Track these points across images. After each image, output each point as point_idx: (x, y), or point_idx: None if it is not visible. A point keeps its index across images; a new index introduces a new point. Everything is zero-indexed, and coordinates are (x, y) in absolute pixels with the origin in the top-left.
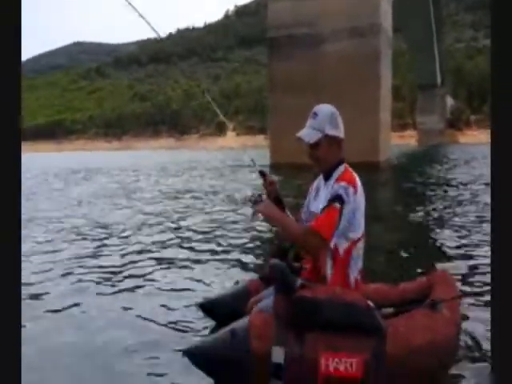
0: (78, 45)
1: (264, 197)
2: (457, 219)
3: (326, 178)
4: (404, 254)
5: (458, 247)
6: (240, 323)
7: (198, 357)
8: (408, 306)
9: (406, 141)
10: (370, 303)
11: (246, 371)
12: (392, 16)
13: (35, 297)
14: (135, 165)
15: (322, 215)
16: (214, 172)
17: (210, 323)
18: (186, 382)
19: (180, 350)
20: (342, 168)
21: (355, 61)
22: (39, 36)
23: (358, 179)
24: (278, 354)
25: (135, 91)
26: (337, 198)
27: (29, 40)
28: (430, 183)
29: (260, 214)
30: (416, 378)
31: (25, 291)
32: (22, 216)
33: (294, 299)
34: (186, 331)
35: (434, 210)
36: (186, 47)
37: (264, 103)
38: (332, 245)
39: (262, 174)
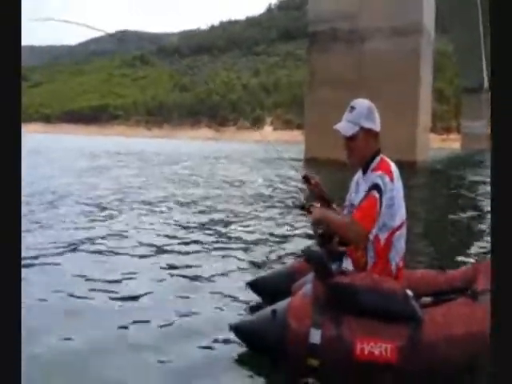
0: (123, 33)
1: (316, 179)
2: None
3: (364, 171)
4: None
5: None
6: (281, 304)
7: (241, 332)
8: (449, 294)
9: (450, 144)
10: (408, 291)
11: (284, 349)
12: (439, 17)
13: None
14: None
15: (362, 205)
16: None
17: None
18: None
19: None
20: (378, 159)
21: (395, 59)
22: (88, 22)
23: (394, 167)
24: (315, 336)
25: (176, 81)
26: (374, 187)
27: (77, 26)
28: (463, 186)
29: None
30: (450, 368)
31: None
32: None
33: (332, 284)
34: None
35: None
36: (227, 40)
37: (303, 98)
38: (373, 233)
39: (306, 178)
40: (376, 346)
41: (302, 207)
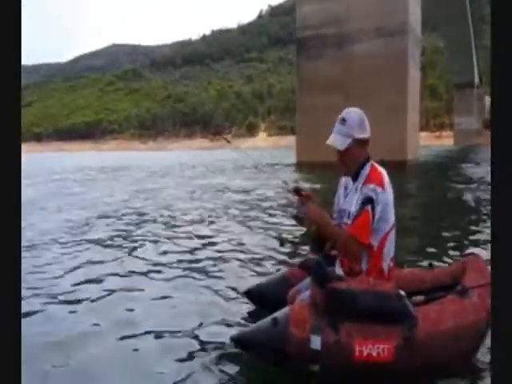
0: (115, 47)
1: (308, 192)
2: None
3: (354, 178)
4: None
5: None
6: (281, 313)
7: (243, 343)
8: (438, 292)
9: (443, 141)
10: (401, 292)
11: (286, 357)
12: (428, 14)
13: None
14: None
15: (358, 220)
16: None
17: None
18: None
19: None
20: (368, 167)
21: (383, 60)
22: (79, 38)
23: (384, 175)
24: (315, 342)
25: (169, 92)
26: (367, 201)
27: (69, 41)
28: (454, 181)
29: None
30: (445, 362)
31: None
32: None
33: (329, 290)
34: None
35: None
36: (219, 48)
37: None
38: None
39: (297, 191)
40: (374, 348)
41: (296, 217)
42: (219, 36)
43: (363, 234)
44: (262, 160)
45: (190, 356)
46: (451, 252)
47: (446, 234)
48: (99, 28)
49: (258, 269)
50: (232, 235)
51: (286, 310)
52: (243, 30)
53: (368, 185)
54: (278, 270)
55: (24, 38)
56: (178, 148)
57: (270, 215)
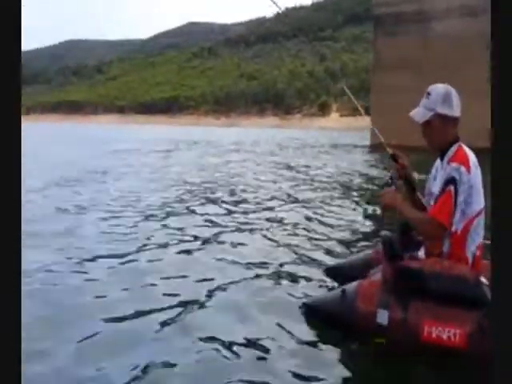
0: (192, 25)
1: (405, 160)
2: None
3: (441, 158)
4: None
5: None
6: (350, 285)
7: (312, 310)
8: None
9: None
10: (481, 278)
11: (352, 327)
12: None
13: None
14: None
15: (439, 202)
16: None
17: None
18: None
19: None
20: (455, 147)
21: (465, 41)
22: (158, 16)
23: (471, 156)
24: (382, 316)
25: (242, 71)
26: (450, 182)
27: (148, 20)
28: None
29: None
30: None
31: None
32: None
33: (401, 268)
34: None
35: None
36: (293, 27)
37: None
38: (450, 225)
39: (394, 157)
40: (444, 331)
41: (387, 184)
42: (293, 13)
43: (443, 215)
44: (333, 141)
45: (264, 312)
46: None
47: None
48: (177, 5)
49: (343, 248)
50: (315, 213)
51: (355, 283)
52: (318, 7)
53: (452, 164)
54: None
55: (107, 13)
56: (250, 125)
57: (350, 198)
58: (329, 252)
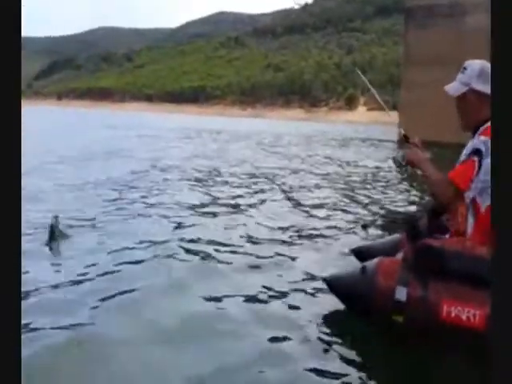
0: (220, 14)
1: (416, 140)
2: None
3: (473, 136)
4: None
5: None
6: (371, 262)
7: (332, 285)
8: None
9: None
10: None
11: (370, 303)
12: None
13: None
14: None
15: (460, 167)
16: None
17: None
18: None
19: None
20: (487, 125)
21: None
22: (188, 5)
23: None
24: (401, 292)
25: (269, 61)
26: (475, 153)
27: (179, 8)
28: None
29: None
30: None
31: None
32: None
33: (421, 246)
34: None
35: None
36: (321, 18)
37: (399, 77)
38: (473, 201)
39: (405, 137)
40: (463, 311)
41: (400, 164)
42: (322, 4)
43: (461, 178)
44: (360, 135)
45: (286, 288)
46: None
47: None
48: None
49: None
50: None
51: (376, 259)
52: None
53: (480, 136)
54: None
55: (136, 3)
56: (275, 116)
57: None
58: (357, 234)
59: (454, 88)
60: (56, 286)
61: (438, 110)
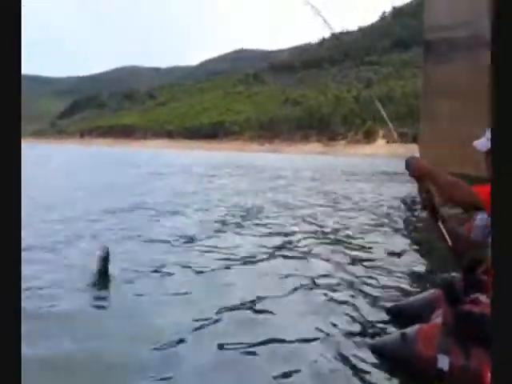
0: (238, 52)
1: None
2: None
3: None
4: None
5: None
6: (411, 329)
7: (376, 352)
8: None
9: None
10: None
11: (412, 371)
12: None
13: None
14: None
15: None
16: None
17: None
18: None
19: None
20: None
21: None
22: (207, 44)
23: None
24: (443, 361)
25: (287, 96)
26: None
27: (197, 47)
28: None
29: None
30: None
31: None
32: None
33: (461, 312)
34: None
35: None
36: (338, 51)
37: (419, 110)
38: None
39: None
40: None
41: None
42: (339, 38)
43: (487, 198)
44: (378, 168)
45: (324, 349)
46: None
47: None
48: (225, 33)
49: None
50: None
51: (416, 326)
52: (364, 31)
53: None
54: (422, 291)
55: (157, 42)
56: (293, 151)
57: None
58: (389, 291)
59: (481, 143)
60: None
61: (458, 141)
